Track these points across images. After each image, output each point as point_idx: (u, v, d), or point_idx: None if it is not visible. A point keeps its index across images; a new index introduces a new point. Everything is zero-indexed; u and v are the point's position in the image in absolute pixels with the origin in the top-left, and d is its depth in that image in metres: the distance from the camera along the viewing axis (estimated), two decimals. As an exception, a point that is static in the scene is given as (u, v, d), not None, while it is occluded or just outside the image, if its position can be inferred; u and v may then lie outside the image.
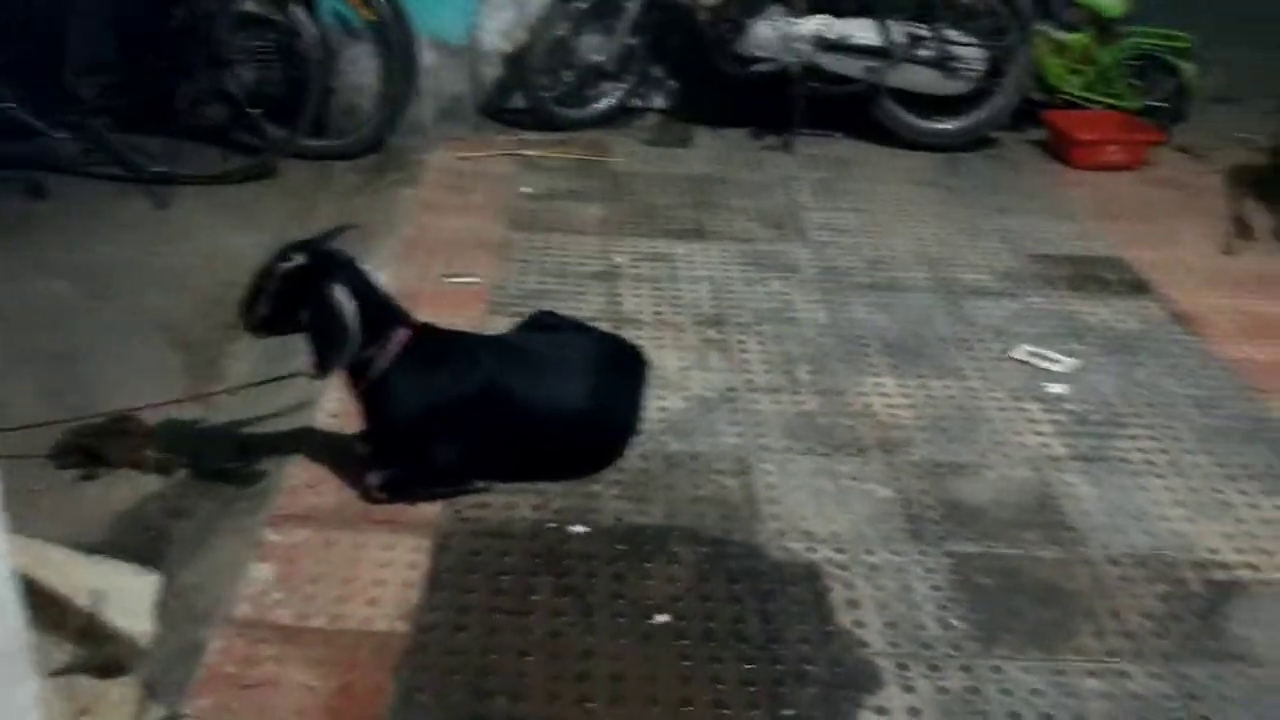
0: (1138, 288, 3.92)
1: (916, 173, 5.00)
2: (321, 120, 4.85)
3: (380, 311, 2.55)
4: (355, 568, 2.39)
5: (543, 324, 2.96)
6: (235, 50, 4.62)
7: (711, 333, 3.48)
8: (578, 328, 2.98)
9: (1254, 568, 2.54)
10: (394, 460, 2.61)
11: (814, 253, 4.10)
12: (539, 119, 5.21)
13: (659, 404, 3.05)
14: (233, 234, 4.11)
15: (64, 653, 1.99)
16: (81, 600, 2.01)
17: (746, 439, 2.93)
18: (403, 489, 2.59)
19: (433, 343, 2.62)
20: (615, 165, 4.90)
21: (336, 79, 4.84)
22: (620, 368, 2.84)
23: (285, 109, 4.64)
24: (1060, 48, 5.46)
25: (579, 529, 2.55)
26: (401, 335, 2.56)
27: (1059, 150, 5.23)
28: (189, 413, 2.92)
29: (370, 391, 2.56)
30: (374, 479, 2.59)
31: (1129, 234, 4.37)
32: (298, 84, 4.63)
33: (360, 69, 4.86)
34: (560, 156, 4.92)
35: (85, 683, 2.01)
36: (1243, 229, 4.41)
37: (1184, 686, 2.20)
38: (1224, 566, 2.54)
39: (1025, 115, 5.46)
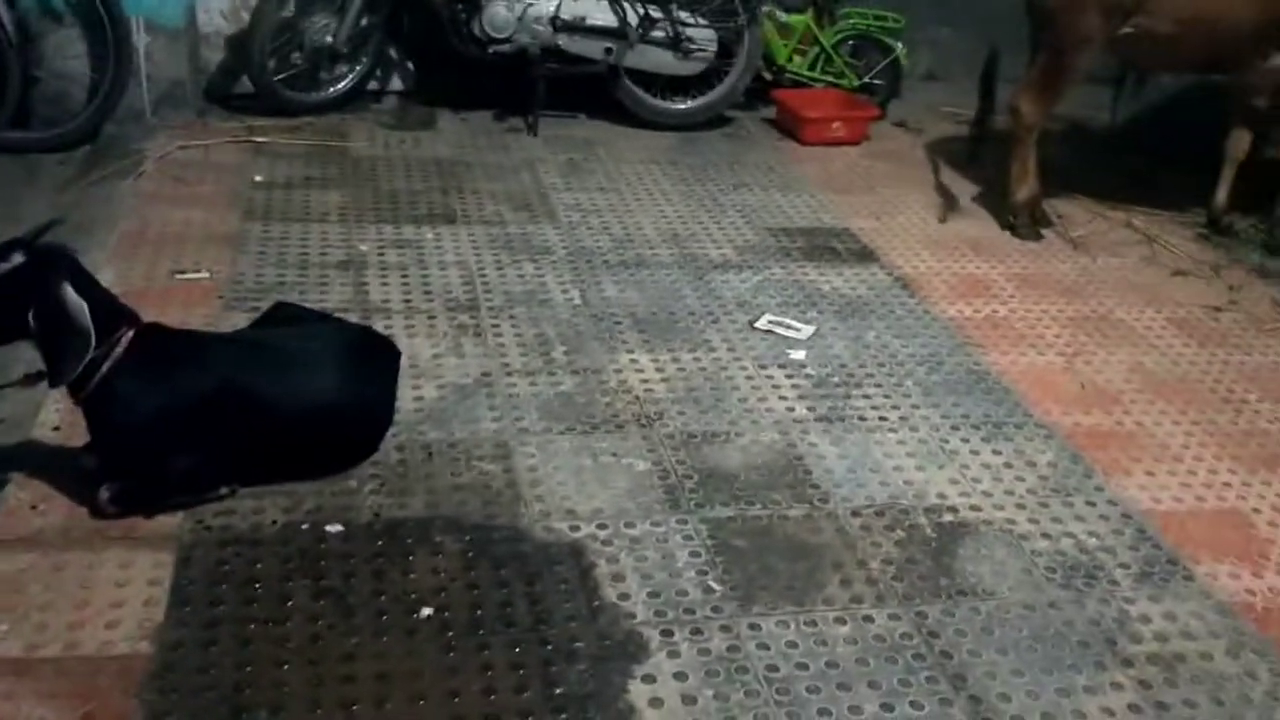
0: (864, 255, 4.17)
1: (658, 152, 5.11)
2: (26, 110, 4.46)
3: (104, 311, 2.37)
4: (90, 590, 2.22)
5: (282, 316, 2.83)
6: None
7: (464, 318, 3.44)
8: (320, 318, 2.88)
9: (977, 509, 2.76)
10: (125, 471, 2.44)
11: (564, 234, 4.12)
12: (268, 104, 4.97)
13: (413, 393, 2.99)
14: (-76, 236, 3.72)
15: None
16: None
17: (505, 423, 2.92)
18: (137, 501, 2.43)
19: (161, 342, 2.47)
20: (355, 150, 4.76)
21: (40, 65, 4.46)
22: (369, 358, 2.76)
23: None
24: (785, 28, 5.71)
25: (335, 528, 2.47)
26: (128, 335, 2.40)
27: (788, 127, 5.48)
28: (-119, 437, 2.63)
29: (94, 399, 2.38)
30: (105, 493, 2.41)
31: (855, 205, 4.64)
32: (-6, 70, 4.24)
33: (67, 54, 4.50)
34: (295, 142, 4.72)
35: None
36: (946, 197, 4.77)
37: (922, 625, 2.36)
38: (952, 510, 2.75)
39: (757, 94, 5.69)
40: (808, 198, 4.70)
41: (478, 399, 3.02)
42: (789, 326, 3.55)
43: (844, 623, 2.35)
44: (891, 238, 4.33)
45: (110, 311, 2.39)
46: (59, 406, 2.71)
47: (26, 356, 2.48)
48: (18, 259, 2.28)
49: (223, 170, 4.37)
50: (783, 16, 5.69)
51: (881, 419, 3.10)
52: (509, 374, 3.16)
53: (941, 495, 2.80)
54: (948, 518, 2.72)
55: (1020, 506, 2.78)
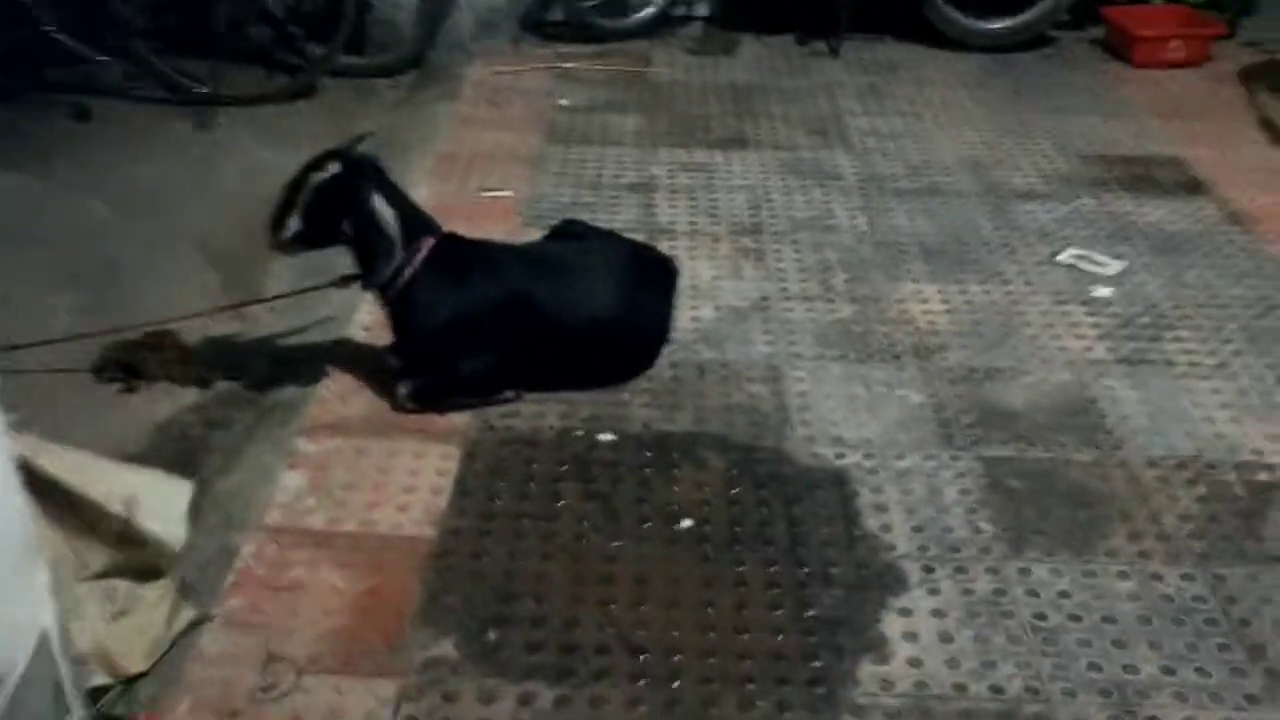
0: (1193, 188, 3.77)
1: (968, 75, 4.84)
2: (360, 38, 4.83)
3: (409, 220, 2.55)
4: (386, 475, 2.42)
5: (569, 232, 2.93)
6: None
7: (747, 242, 3.43)
8: (605, 235, 2.96)
9: (1300, 470, 2.47)
10: (423, 370, 2.63)
11: (857, 160, 4.01)
12: (578, 31, 5.13)
13: (690, 314, 3.03)
14: (273, 153, 4.12)
15: (102, 557, 2.04)
16: (117, 507, 2.05)
17: (779, 347, 2.90)
18: (432, 398, 2.61)
19: (458, 251, 2.62)
20: (656, 76, 4.82)
21: (374, -5, 4.82)
22: (649, 275, 2.82)
23: (325, 27, 4.62)
24: (1122, -61, 5.21)
25: (606, 437, 2.55)
26: (428, 243, 2.57)
27: (1118, 48, 5.02)
28: (225, 328, 2.97)
29: (397, 301, 2.58)
30: (404, 389, 2.61)
31: (1188, 133, 4.20)
32: (336, 1, 4.60)
33: (398, -17, 4.82)
34: (600, 69, 4.85)
35: (123, 585, 2.06)
36: (1269, 128, 4.21)
37: (1220, 589, 2.15)
38: (1269, 468, 2.47)
39: (1083, 12, 5.24)
40: (1133, 123, 4.31)
41: (753, 323, 3.01)
42: (1095, 261, 3.29)
43: (1127, 578, 2.17)
44: (1228, 169, 3.90)
45: (414, 220, 2.57)
46: (371, 309, 2.95)
47: (345, 261, 2.71)
48: (334, 169, 2.49)
49: (531, 95, 4.56)
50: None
51: (1194, 365, 2.82)
52: (786, 299, 3.13)
53: (1257, 451, 2.52)
54: (1263, 476, 2.44)
55: (1354, 471, 2.46)
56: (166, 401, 2.73)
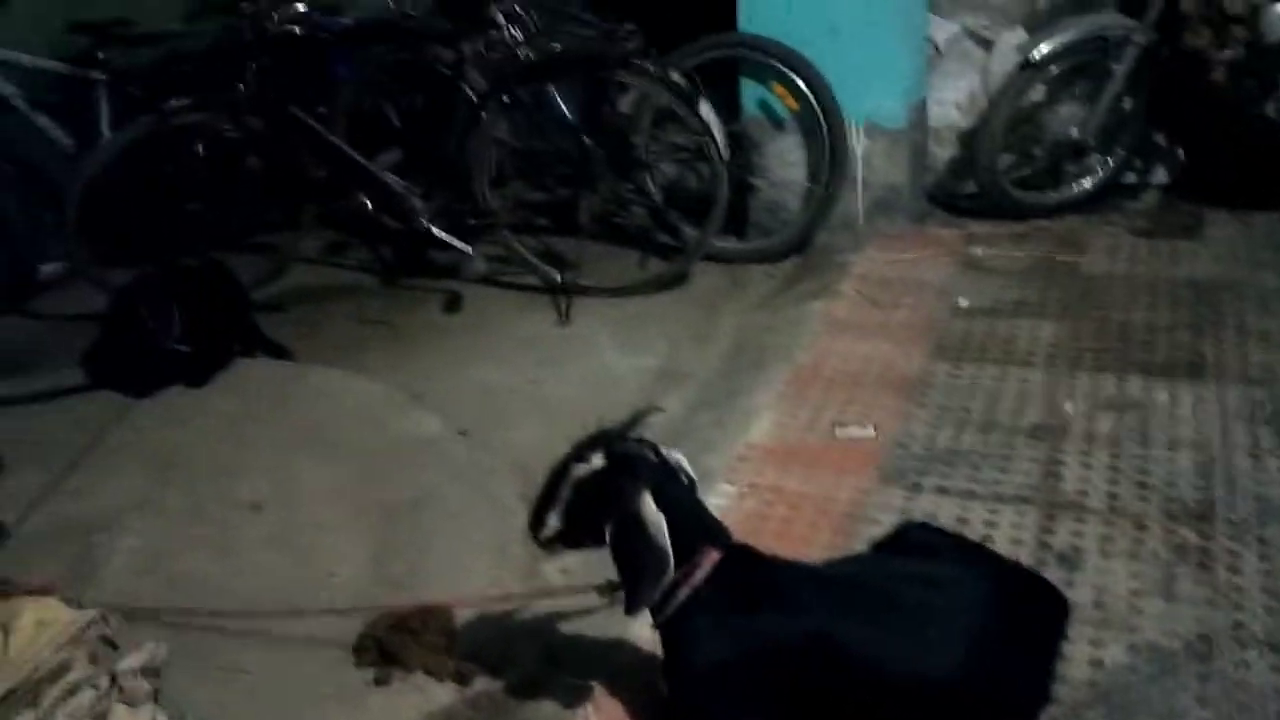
0: None
1: None
2: (742, 220, 4.42)
3: (689, 525, 1.98)
4: None
5: (911, 544, 2.20)
6: (654, 150, 4.33)
7: (1188, 534, 2.48)
8: (961, 552, 2.18)
9: None
10: (691, 721, 2.01)
11: (1369, 405, 2.89)
12: (996, 206, 4.36)
13: (1090, 651, 2.16)
14: (622, 356, 3.78)
15: None
16: None
17: (1221, 736, 1.96)
18: (698, 768, 1.98)
19: (747, 571, 2.00)
20: (1088, 266, 3.92)
21: (760, 174, 4.38)
22: (1021, 618, 2.01)
23: (704, 208, 4.25)
24: None
25: None
26: (710, 558, 1.97)
27: None
28: (503, 601, 2.54)
29: (668, 628, 1.99)
30: (662, 751, 2.01)
31: None
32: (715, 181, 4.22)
33: (786, 162, 4.36)
34: (1016, 254, 4.04)
35: None
36: None
37: None
38: None
39: None
40: None
41: (1183, 682, 2.08)
42: None
43: None
44: None
45: (694, 528, 1.99)
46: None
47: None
48: (597, 463, 1.98)
49: (924, 290, 3.85)
50: None
51: None
52: (1241, 644, 2.15)
53: None
54: None
55: None
56: (416, 702, 2.31)
